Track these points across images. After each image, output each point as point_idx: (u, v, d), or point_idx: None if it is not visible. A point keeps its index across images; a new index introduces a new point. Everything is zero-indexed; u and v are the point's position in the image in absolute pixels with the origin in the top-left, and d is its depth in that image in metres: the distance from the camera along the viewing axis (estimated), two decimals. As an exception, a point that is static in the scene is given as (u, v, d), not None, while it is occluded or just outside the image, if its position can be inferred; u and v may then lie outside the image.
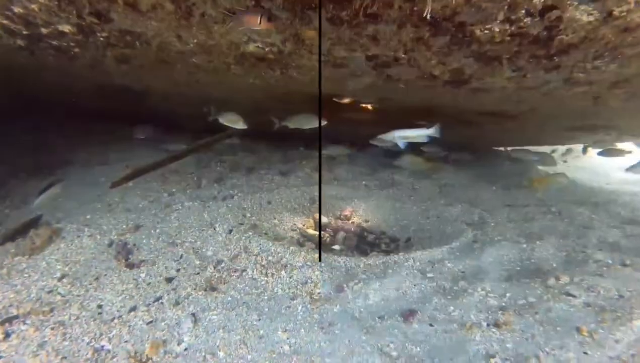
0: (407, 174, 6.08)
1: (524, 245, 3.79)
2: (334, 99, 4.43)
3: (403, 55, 2.95)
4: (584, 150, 7.50)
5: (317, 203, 5.01)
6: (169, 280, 3.40)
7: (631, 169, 5.39)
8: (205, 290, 3.25)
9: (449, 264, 3.45)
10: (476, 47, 2.70)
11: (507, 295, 2.95)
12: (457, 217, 4.68)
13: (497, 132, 5.35)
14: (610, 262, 3.39)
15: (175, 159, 4.80)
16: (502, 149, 7.06)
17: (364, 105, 4.66)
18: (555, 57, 2.72)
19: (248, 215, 4.41)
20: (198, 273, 3.47)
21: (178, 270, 3.52)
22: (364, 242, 4.42)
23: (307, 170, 5.91)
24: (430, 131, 3.61)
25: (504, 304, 2.84)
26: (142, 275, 3.48)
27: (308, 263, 3.42)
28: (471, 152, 6.71)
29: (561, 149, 8.89)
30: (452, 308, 2.82)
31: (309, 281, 3.23)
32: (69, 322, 2.94)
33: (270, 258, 3.55)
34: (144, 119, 6.44)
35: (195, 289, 3.26)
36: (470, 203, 5.06)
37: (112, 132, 6.84)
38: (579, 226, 4.43)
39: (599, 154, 6.21)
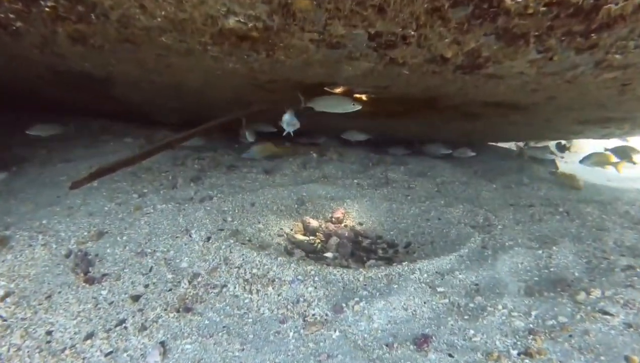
0: (402, 172, 5.65)
1: (540, 251, 3.39)
2: (326, 88, 3.96)
3: (412, 33, 2.49)
4: (562, 149, 7.11)
5: (306, 204, 4.54)
6: (136, 298, 2.89)
7: (584, 161, 5.39)
8: (178, 311, 2.75)
9: (460, 276, 3.02)
10: (502, 21, 2.25)
11: (533, 313, 2.53)
12: (460, 219, 4.27)
13: (501, 125, 4.95)
14: (639, 270, 3.01)
15: (148, 155, 4.25)
16: (518, 144, 6.55)
17: (357, 95, 4.19)
18: (593, 34, 2.29)
19: (229, 219, 3.90)
20: (170, 290, 2.97)
21: (147, 286, 3.01)
22: (359, 248, 3.96)
23: (293, 168, 5.41)
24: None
25: (531, 325, 2.42)
26: (104, 292, 2.95)
27: (299, 276, 2.94)
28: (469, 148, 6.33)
29: (551, 144, 8.55)
30: (472, 332, 2.39)
31: (301, 299, 2.76)
32: (8, 354, 2.40)
33: (255, 271, 3.06)
34: (111, 111, 5.86)
35: (166, 310, 2.76)
36: (471, 203, 4.65)
37: (77, 126, 6.21)
38: (591, 227, 4.07)
39: (581, 162, 5.83)
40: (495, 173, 5.92)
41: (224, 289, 2.93)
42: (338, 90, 4.02)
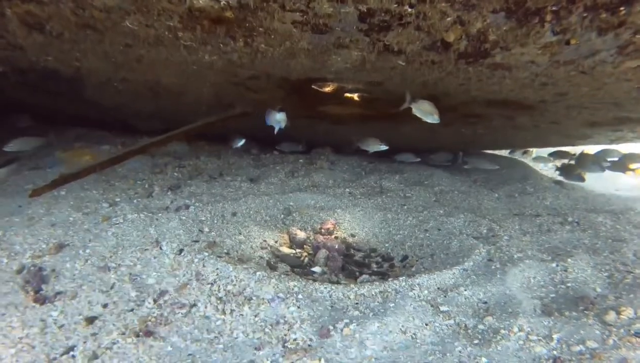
0: (397, 180, 5.29)
1: (554, 264, 3.01)
2: (314, 86, 3.61)
3: (409, 10, 2.15)
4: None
5: (293, 214, 4.15)
6: (91, 320, 2.48)
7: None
8: (138, 335, 2.34)
9: (465, 292, 2.63)
10: (515, -8, 1.93)
11: (555, 337, 2.14)
12: (462, 229, 3.89)
13: (504, 129, 4.62)
14: (669, 285, 2.65)
15: (117, 161, 3.87)
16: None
17: (349, 94, 3.85)
18: (622, 7, 1.97)
19: (206, 229, 3.51)
20: (132, 310, 2.56)
21: (105, 306, 2.60)
22: (350, 262, 3.57)
23: (281, 176, 5.04)
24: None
25: (555, 352, 2.03)
26: (55, 313, 2.54)
27: (281, 294, 2.54)
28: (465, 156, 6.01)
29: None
30: (484, 360, 2.00)
31: (281, 321, 2.35)
32: None
33: (230, 287, 2.66)
34: (87, 117, 5.48)
35: (123, 334, 2.35)
36: (473, 213, 4.29)
37: (47, 131, 5.83)
38: (606, 239, 3.71)
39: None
40: (497, 182, 5.57)
41: (193, 309, 2.52)
42: (327, 88, 3.68)
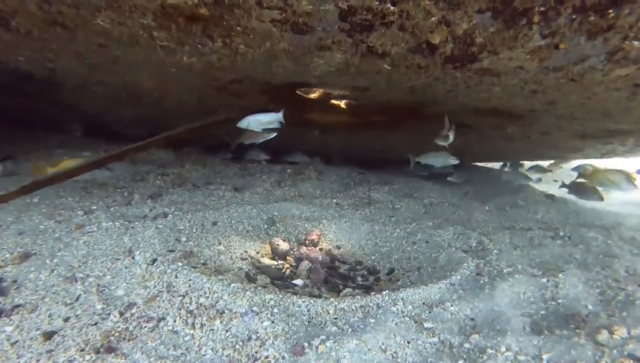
0: (386, 192, 5.17)
1: (544, 280, 2.88)
2: (298, 92, 3.51)
3: (392, 8, 2.05)
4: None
5: (277, 225, 4.01)
6: (49, 335, 2.30)
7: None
8: (98, 352, 2.17)
9: (452, 308, 2.49)
10: (502, -11, 1.83)
11: (545, 358, 2.00)
12: (451, 242, 3.76)
13: (493, 140, 4.52)
14: (664, 303, 2.52)
15: (92, 167, 3.72)
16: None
17: (335, 101, 3.75)
18: (611, 10, 1.87)
19: (183, 239, 3.35)
20: (95, 324, 2.38)
21: (67, 320, 2.42)
22: (334, 275, 3.42)
23: (267, 185, 4.91)
24: (278, 116, 3.38)
25: (545, 375, 1.89)
26: (9, 328, 2.36)
27: (255, 308, 2.39)
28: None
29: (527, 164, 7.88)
30: (469, 382, 1.85)
31: (253, 337, 2.19)
32: None
33: (202, 300, 2.50)
34: (63, 122, 5.34)
35: (82, 351, 2.18)
36: (463, 226, 4.16)
37: (33, 141, 5.67)
38: (597, 254, 3.59)
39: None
40: (488, 194, 5.47)
41: (161, 323, 2.36)
42: (313, 95, 3.58)
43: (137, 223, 3.53)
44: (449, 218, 4.50)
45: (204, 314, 2.37)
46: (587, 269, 3.18)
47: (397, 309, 2.44)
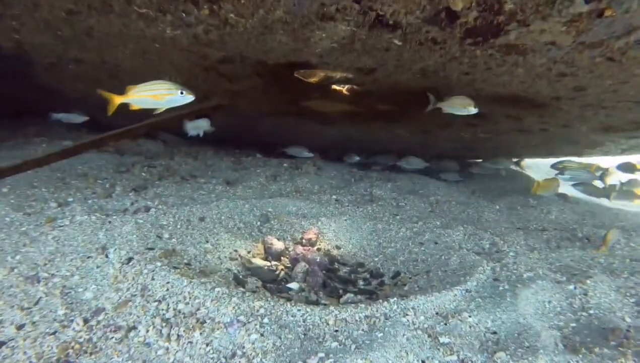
0: (389, 189, 4.83)
1: (571, 287, 2.55)
2: (297, 74, 3.15)
3: (409, -38, 1.71)
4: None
5: (271, 221, 3.66)
6: (-2, 346, 1.95)
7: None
8: (53, 368, 1.82)
9: (470, 319, 2.15)
10: None
11: (588, 383, 1.67)
12: (462, 243, 3.43)
13: (507, 133, 4.18)
14: None
15: (63, 156, 3.36)
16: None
17: (336, 86, 3.40)
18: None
19: (166, 236, 3.00)
20: (54, 333, 2.04)
21: (21, 327, 2.08)
22: (334, 278, 3.08)
23: (261, 179, 4.56)
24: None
25: (591, 406, 1.55)
26: (-49, 338, 2.01)
27: (242, 317, 2.04)
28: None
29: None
30: (499, 415, 1.51)
31: (238, 352, 1.85)
32: None
33: (180, 306, 2.15)
34: (48, 109, 4.96)
35: (35, 366, 1.83)
36: (473, 225, 3.83)
37: (11, 129, 5.31)
38: (623, 258, 3.27)
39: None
40: (497, 193, 5.14)
41: (132, 333, 2.01)
42: (313, 78, 3.23)
43: (115, 217, 3.18)
44: (457, 217, 4.17)
45: (182, 324, 2.03)
46: (614, 275, 2.85)
47: (408, 320, 2.10)
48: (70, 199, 3.59)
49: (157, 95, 2.60)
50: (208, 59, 2.96)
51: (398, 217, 4.03)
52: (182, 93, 2.60)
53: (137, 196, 3.75)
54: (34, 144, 4.80)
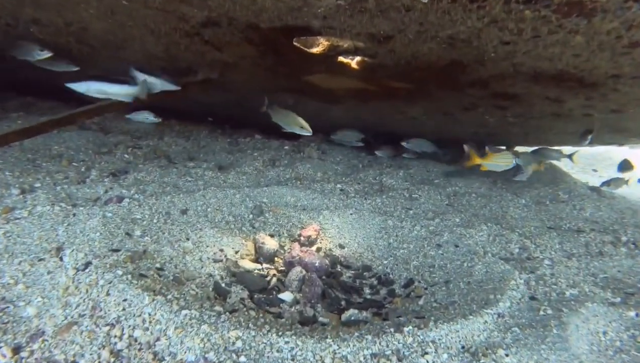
0: (401, 177, 4.32)
1: (631, 313, 2.05)
2: (297, 42, 2.62)
3: None
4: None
5: (265, 215, 3.18)
6: None
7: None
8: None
9: (507, 359, 1.67)
10: None
11: None
12: (486, 247, 2.93)
13: (539, 119, 3.61)
14: None
15: (29, 133, 2.89)
16: None
17: (343, 59, 2.87)
18: None
19: (137, 233, 2.54)
20: (-28, 367, 1.59)
21: None
22: (335, 285, 2.61)
23: (257, 164, 4.07)
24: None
25: None
26: None
27: (210, 354, 1.57)
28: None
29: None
30: None
31: (202, 408, 1.39)
32: None
33: (137, 333, 1.69)
34: (25, 84, 4.48)
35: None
36: (498, 224, 3.32)
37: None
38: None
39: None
40: (521, 184, 4.60)
41: (70, 370, 1.56)
42: (315, 49, 2.69)
43: (82, 208, 2.71)
44: (479, 214, 3.66)
45: (135, 359, 1.57)
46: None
47: (428, 361, 1.62)
48: (38, 185, 3.13)
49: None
50: (188, 22, 2.43)
51: (411, 211, 3.53)
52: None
53: (113, 182, 3.28)
54: (9, 120, 4.34)
